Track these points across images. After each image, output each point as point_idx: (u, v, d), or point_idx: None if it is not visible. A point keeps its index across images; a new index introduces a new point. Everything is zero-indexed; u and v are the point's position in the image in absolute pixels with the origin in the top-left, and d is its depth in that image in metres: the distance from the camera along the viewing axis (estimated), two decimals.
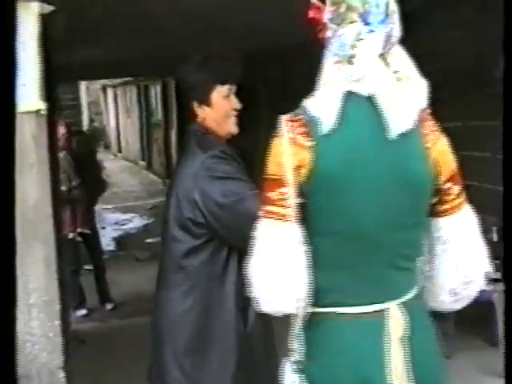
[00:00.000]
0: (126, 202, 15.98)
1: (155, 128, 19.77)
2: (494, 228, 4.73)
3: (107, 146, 26.61)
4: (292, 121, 1.91)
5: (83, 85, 20.75)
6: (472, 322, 5.12)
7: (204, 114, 2.78)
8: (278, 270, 1.86)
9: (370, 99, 1.87)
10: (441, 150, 1.93)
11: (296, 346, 1.94)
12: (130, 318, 6.88)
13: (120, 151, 25.93)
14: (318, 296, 1.90)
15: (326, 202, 1.87)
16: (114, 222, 13.54)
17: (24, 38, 2.98)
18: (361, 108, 1.88)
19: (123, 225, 13.41)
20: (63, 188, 6.95)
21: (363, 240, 1.87)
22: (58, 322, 3.13)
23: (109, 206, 14.55)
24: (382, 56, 1.88)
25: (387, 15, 1.89)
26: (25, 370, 3.07)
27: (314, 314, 1.93)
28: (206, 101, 2.77)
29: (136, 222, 13.53)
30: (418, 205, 1.92)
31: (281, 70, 9.02)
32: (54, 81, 8.58)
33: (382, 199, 1.87)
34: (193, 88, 2.76)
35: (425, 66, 2.04)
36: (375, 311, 1.90)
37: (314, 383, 1.92)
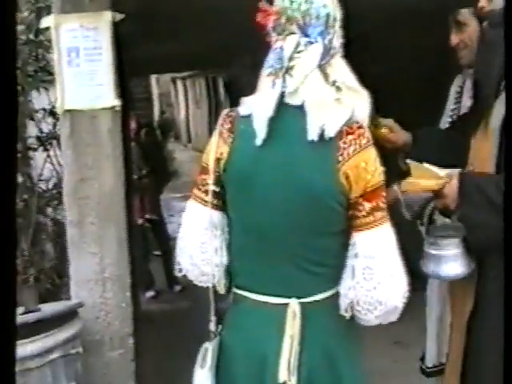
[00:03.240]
0: None
1: None
2: None
3: (177, 137, 27.14)
4: (227, 116, 2.00)
5: (153, 77, 21.26)
6: None
7: None
8: (192, 247, 2.05)
9: (299, 107, 1.87)
10: (355, 166, 1.85)
11: (212, 317, 2.11)
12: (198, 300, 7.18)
13: (190, 141, 26.39)
14: (234, 277, 2.05)
15: (234, 194, 1.98)
16: (182, 210, 13.90)
17: (100, 43, 3.39)
18: (287, 115, 1.89)
19: None
20: (134, 177, 7.36)
21: (264, 236, 1.94)
22: (128, 294, 3.53)
23: (178, 195, 14.96)
24: (321, 67, 1.88)
25: (327, 26, 1.91)
26: (99, 336, 3.50)
27: (234, 292, 2.06)
28: None
29: None
30: (321, 215, 1.89)
31: None
32: (127, 76, 9.03)
33: (282, 203, 1.90)
34: (247, 87, 2.98)
35: None
36: (276, 304, 1.95)
37: (225, 350, 2.06)
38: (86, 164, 3.44)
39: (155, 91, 21.65)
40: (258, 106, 1.92)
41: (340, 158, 1.85)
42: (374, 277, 1.87)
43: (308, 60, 1.87)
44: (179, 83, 26.83)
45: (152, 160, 7.89)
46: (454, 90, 3.38)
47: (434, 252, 2.46)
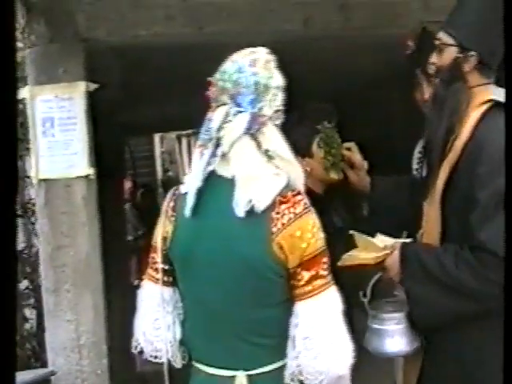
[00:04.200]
0: None
1: None
2: None
3: None
4: (173, 194, 2.04)
5: (157, 136, 21.47)
6: None
7: (309, 165, 2.85)
8: (146, 324, 2.07)
9: (232, 179, 1.88)
10: (289, 235, 1.82)
11: None
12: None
13: None
14: (189, 350, 2.06)
15: (179, 271, 2.01)
16: None
17: (74, 113, 3.47)
18: (221, 189, 1.90)
19: None
20: (129, 237, 7.40)
21: (209, 311, 1.95)
22: (105, 361, 3.52)
23: None
24: (253, 135, 1.89)
25: (258, 95, 1.90)
26: None
27: (191, 364, 2.06)
28: (308, 153, 2.88)
29: None
30: (261, 287, 1.87)
31: None
32: (125, 137, 9.14)
33: (221, 278, 1.90)
34: (293, 144, 2.83)
35: None
36: (224, 376, 1.95)
37: None
38: (62, 232, 3.48)
39: (158, 149, 21.84)
40: (189, 179, 1.95)
41: (274, 230, 1.83)
42: (314, 346, 1.84)
43: (235, 128, 1.88)
44: (184, 140, 27.05)
45: (149, 220, 7.95)
46: (416, 151, 3.40)
47: (376, 326, 2.40)
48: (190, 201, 1.91)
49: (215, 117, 1.92)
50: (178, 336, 2.07)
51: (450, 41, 2.34)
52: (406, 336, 2.34)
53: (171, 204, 2.02)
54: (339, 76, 5.23)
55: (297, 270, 1.86)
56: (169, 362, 2.08)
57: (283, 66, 4.41)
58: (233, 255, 1.87)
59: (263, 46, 3.64)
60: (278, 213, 1.84)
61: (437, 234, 2.33)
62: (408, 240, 2.44)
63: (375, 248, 2.39)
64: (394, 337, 2.35)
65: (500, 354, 2.23)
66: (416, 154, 3.40)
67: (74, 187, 3.48)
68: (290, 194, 1.87)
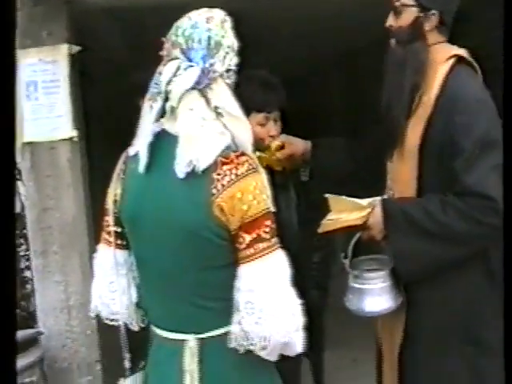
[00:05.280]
0: None
1: None
2: None
3: None
4: (124, 157, 1.99)
5: None
6: None
7: None
8: (101, 287, 2.03)
9: (177, 137, 1.82)
10: (229, 197, 1.77)
11: (125, 355, 2.07)
12: None
13: None
14: (146, 313, 2.04)
15: (129, 233, 1.97)
16: None
17: (58, 76, 3.47)
18: (167, 146, 1.84)
19: None
20: None
21: (157, 274, 1.92)
22: (94, 322, 3.56)
23: None
24: (202, 91, 1.83)
25: (209, 50, 1.87)
26: (67, 363, 3.55)
27: (150, 328, 2.03)
28: None
29: None
30: (204, 249, 1.82)
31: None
32: (138, 99, 9.06)
33: (165, 240, 1.86)
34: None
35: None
36: (176, 340, 1.91)
37: None
38: (47, 194, 3.51)
39: None
40: (140, 134, 1.90)
41: (214, 191, 1.77)
42: (255, 311, 1.77)
43: (184, 82, 1.82)
44: None
45: None
46: None
47: (358, 286, 2.36)
48: (143, 157, 1.86)
49: (165, 70, 1.85)
50: (134, 299, 2.05)
51: (410, 1, 2.34)
52: (389, 293, 2.33)
53: (121, 167, 1.98)
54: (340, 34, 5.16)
55: (238, 232, 1.79)
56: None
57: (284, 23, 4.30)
58: (175, 217, 1.82)
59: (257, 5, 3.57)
60: (219, 174, 1.78)
61: (413, 190, 2.32)
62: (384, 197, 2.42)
63: (357, 207, 2.33)
64: (377, 296, 2.33)
65: (486, 298, 2.27)
66: None
67: (58, 150, 3.50)
68: (232, 154, 1.80)
